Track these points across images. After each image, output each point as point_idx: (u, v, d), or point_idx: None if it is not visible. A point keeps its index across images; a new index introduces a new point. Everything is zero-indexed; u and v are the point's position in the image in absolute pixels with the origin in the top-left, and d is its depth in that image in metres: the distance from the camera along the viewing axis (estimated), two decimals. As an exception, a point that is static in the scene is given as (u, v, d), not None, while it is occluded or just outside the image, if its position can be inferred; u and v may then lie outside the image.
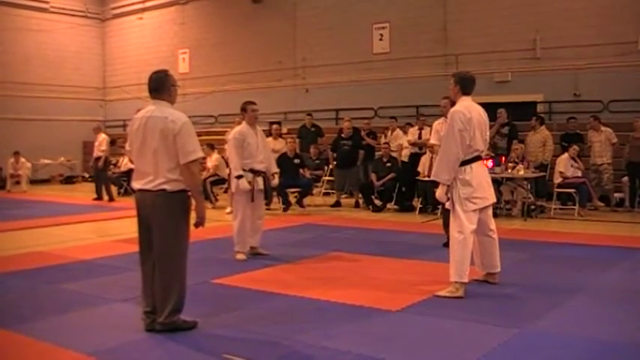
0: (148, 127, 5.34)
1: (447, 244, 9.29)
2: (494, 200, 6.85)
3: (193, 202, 5.44)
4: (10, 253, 9.25)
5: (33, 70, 25.07)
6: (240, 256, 8.57)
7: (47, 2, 25.92)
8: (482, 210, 6.59)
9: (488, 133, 6.92)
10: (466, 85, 6.80)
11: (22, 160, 21.41)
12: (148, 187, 5.27)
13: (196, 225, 5.42)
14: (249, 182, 8.43)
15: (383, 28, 19.17)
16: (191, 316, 5.51)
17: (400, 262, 7.95)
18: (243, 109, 8.68)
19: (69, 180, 24.64)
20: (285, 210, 14.19)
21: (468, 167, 6.48)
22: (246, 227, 8.58)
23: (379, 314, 5.80)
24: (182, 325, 5.36)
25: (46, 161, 23.59)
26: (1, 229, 11.70)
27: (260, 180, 8.58)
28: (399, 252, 8.34)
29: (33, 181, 22.60)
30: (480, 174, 6.58)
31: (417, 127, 14.93)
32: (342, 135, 15.44)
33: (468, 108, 6.56)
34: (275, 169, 9.09)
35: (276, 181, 9.17)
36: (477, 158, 6.55)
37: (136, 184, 5.40)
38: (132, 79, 25.84)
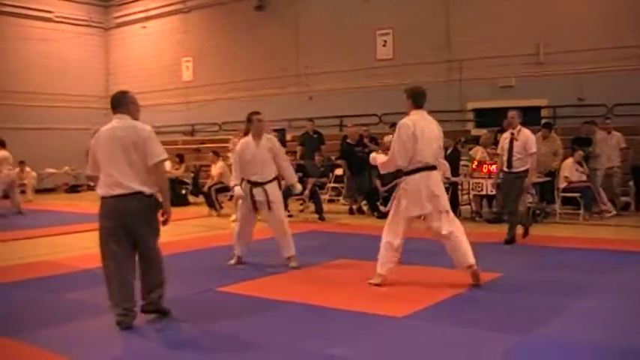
0: (118, 138, 5.76)
1: (508, 242, 10.01)
2: (443, 209, 7.11)
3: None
4: (15, 263, 9.26)
5: (36, 79, 25.11)
6: (230, 261, 8.69)
7: (51, 12, 26.00)
8: (426, 217, 7.12)
9: (440, 144, 7.32)
10: (417, 99, 7.23)
11: (28, 169, 21.43)
12: (124, 192, 5.65)
13: (164, 222, 5.95)
14: (246, 193, 8.52)
15: (386, 34, 19.21)
16: (196, 325, 5.64)
17: (405, 269, 7.92)
18: (249, 120, 8.67)
19: (74, 189, 24.67)
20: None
21: (409, 177, 7.03)
22: (245, 233, 8.69)
23: (385, 321, 5.78)
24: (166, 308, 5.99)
25: (51, 170, 23.60)
26: (6, 239, 11.73)
27: (258, 191, 8.48)
28: (405, 258, 8.27)
29: (38, 191, 22.63)
30: (421, 184, 6.97)
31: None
32: (349, 141, 15.31)
33: (415, 121, 7.00)
34: (293, 179, 8.98)
35: (298, 187, 9.18)
36: (421, 169, 6.97)
37: (108, 191, 5.73)
38: (136, 88, 25.48)
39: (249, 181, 8.53)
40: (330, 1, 20.41)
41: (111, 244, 5.71)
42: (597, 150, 13.82)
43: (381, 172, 7.75)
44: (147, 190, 5.74)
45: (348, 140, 15.32)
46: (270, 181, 8.52)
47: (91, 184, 6.58)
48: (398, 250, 7.25)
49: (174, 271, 8.43)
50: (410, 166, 6.98)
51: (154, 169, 5.79)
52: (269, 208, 8.46)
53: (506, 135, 10.49)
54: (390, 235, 7.24)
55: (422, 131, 6.94)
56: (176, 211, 16.32)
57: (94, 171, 5.92)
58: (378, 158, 7.57)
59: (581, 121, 14.85)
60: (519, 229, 10.44)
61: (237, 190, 8.50)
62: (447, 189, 13.14)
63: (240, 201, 8.71)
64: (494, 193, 12.63)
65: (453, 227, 7.11)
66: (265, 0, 22.04)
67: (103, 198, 5.78)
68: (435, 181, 7.11)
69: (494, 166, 12.78)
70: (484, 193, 12.85)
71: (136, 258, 5.86)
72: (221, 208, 15.38)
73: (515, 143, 10.23)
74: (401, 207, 7.14)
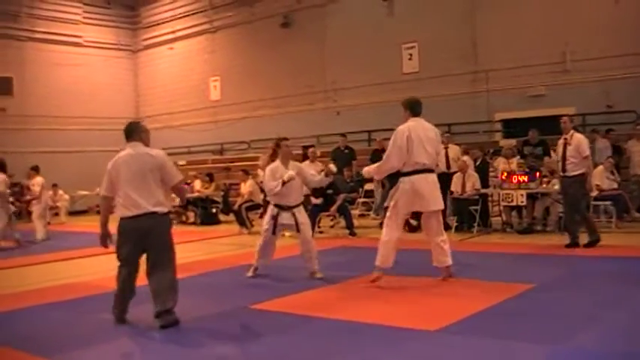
0: (137, 164, 6.40)
1: (570, 245, 10.26)
2: (436, 208, 7.82)
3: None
4: (50, 285, 9.38)
5: (68, 103, 25.56)
6: (248, 273, 9.07)
7: (80, 36, 26.47)
8: (427, 215, 7.83)
9: (439, 147, 8.10)
10: (413, 108, 7.88)
11: (60, 192, 21.76)
12: (140, 212, 6.31)
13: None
14: (273, 217, 8.81)
15: (412, 47, 19.29)
16: (232, 343, 5.81)
17: (437, 282, 7.92)
18: (277, 146, 8.96)
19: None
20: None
21: (407, 178, 7.66)
22: (268, 248, 9.03)
23: (418, 335, 5.76)
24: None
25: (83, 192, 23.85)
26: (41, 261, 11.91)
27: (287, 215, 8.80)
28: (436, 271, 8.30)
29: (71, 213, 22.95)
30: (419, 184, 7.62)
31: (442, 146, 14.89)
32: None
33: (410, 127, 7.64)
34: (318, 177, 9.39)
35: (332, 168, 9.33)
36: (418, 171, 7.60)
37: (125, 212, 6.38)
38: (164, 109, 26.22)
39: (276, 205, 8.83)
40: (355, 16, 20.51)
41: (132, 255, 6.50)
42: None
43: (377, 177, 8.51)
44: (160, 209, 6.39)
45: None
46: (297, 205, 8.87)
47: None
48: (396, 245, 7.92)
49: (208, 289, 8.54)
50: (407, 167, 7.62)
51: (174, 189, 6.67)
52: (297, 230, 8.82)
53: (561, 140, 10.69)
54: (389, 232, 7.90)
55: (417, 136, 7.57)
56: (207, 230, 16.56)
57: (109, 192, 6.54)
58: (369, 168, 8.34)
59: (606, 129, 14.78)
60: (566, 239, 10.69)
61: (289, 174, 8.60)
62: (476, 201, 13.19)
63: (267, 216, 9.02)
64: (524, 204, 12.58)
65: (441, 229, 7.91)
66: (291, 17, 22.23)
67: (122, 218, 6.43)
68: (431, 181, 7.72)
69: (524, 177, 12.75)
70: (514, 204, 12.77)
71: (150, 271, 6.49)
72: (252, 225, 15.40)
73: (569, 147, 10.46)
74: (399, 204, 7.80)
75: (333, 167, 9.32)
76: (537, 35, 16.70)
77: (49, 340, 6.29)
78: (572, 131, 10.59)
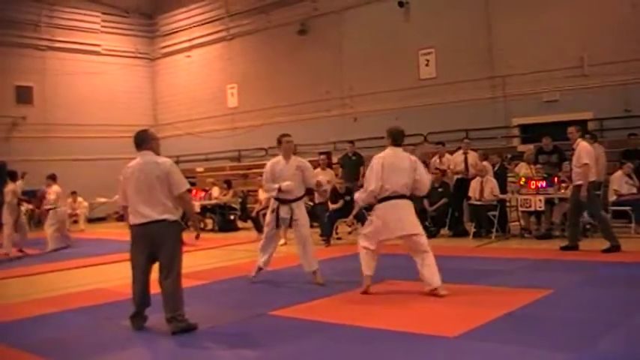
0: (144, 173, 6.55)
1: (609, 250, 10.35)
2: (409, 233, 7.87)
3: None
4: (71, 291, 9.47)
5: (87, 111, 25.78)
6: (251, 274, 9.39)
7: (99, 45, 26.68)
8: (402, 238, 7.94)
9: (416, 174, 8.00)
10: (395, 137, 8.20)
11: (80, 199, 21.91)
12: (153, 219, 6.45)
13: (197, 237, 7.49)
14: (274, 210, 9.09)
15: (429, 53, 19.25)
16: (251, 348, 5.84)
17: (456, 288, 7.91)
18: (279, 142, 9.24)
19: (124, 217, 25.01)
20: (326, 243, 13.75)
21: (379, 205, 7.98)
22: (269, 246, 9.30)
23: (437, 341, 5.74)
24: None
25: (102, 200, 23.98)
26: (61, 268, 12.02)
27: (285, 209, 9.04)
28: (455, 277, 8.29)
29: (90, 220, 23.09)
30: (389, 211, 7.88)
31: (461, 152, 14.89)
32: None
33: (386, 156, 8.02)
34: (312, 184, 9.45)
35: (322, 180, 9.94)
36: (389, 198, 7.86)
37: (139, 220, 6.52)
38: (182, 116, 26.37)
39: (276, 199, 9.07)
40: (372, 23, 20.53)
41: (140, 261, 6.61)
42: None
43: (360, 204, 8.77)
44: (169, 217, 6.53)
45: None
46: (296, 200, 9.08)
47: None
48: (375, 254, 8.10)
49: (226, 296, 8.58)
50: (380, 194, 7.89)
51: (180, 198, 6.65)
52: (289, 225, 9.14)
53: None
54: (366, 242, 8.12)
55: (390, 164, 7.87)
56: (225, 237, 16.61)
57: (124, 201, 6.74)
58: (358, 197, 8.55)
59: (629, 133, 14.69)
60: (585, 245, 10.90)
61: (286, 183, 8.91)
62: (494, 206, 13.16)
63: (268, 215, 9.31)
64: (542, 209, 12.55)
65: (424, 250, 7.84)
66: (307, 24, 22.28)
67: (132, 225, 6.62)
68: (400, 207, 7.91)
69: (542, 182, 12.73)
70: (532, 209, 12.73)
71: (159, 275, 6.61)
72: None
73: (574, 157, 10.72)
74: (372, 231, 8.06)
75: (323, 180, 9.75)
76: (555, 40, 16.63)
77: (68, 345, 6.36)
78: (578, 140, 10.81)
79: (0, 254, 14.10)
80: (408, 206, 8.01)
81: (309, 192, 15.68)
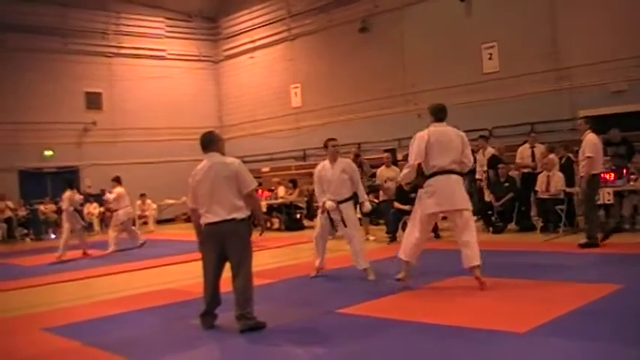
0: (213, 174, 6.71)
1: (584, 245, 10.51)
2: (461, 207, 7.90)
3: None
4: (142, 291, 9.71)
5: (154, 115, 26.26)
6: (312, 274, 9.73)
7: (164, 50, 27.16)
8: (451, 213, 7.96)
9: (463, 149, 8.02)
10: (435, 113, 8.24)
11: (148, 201, 22.40)
12: (223, 218, 6.60)
13: (261, 233, 7.93)
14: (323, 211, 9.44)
15: (491, 47, 19.01)
16: (320, 345, 5.93)
17: (524, 283, 7.83)
18: (325, 146, 9.73)
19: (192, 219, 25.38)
20: (391, 239, 13.74)
21: (428, 180, 7.88)
22: (319, 244, 9.68)
23: (507, 337, 5.69)
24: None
25: (170, 201, 24.37)
26: (132, 269, 12.32)
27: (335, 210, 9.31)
28: (522, 272, 8.22)
29: (159, 221, 23.57)
30: (439, 184, 7.83)
31: (528, 145, 14.68)
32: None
33: (430, 132, 7.98)
34: (363, 198, 9.70)
35: (367, 206, 9.80)
36: (438, 173, 7.84)
37: (210, 219, 6.67)
38: (247, 117, 26.63)
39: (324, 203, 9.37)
40: (434, 18, 20.39)
41: (214, 260, 6.76)
42: None
43: (403, 182, 9.01)
44: (238, 215, 6.64)
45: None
46: (344, 201, 9.30)
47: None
48: (417, 245, 8.15)
49: (293, 295, 8.66)
50: (429, 170, 7.87)
51: (248, 196, 6.77)
52: (335, 226, 9.43)
53: None
54: (411, 232, 8.20)
55: (437, 141, 7.86)
56: (292, 236, 16.77)
57: (194, 204, 6.92)
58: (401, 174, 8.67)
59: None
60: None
61: (329, 203, 9.22)
62: (562, 200, 12.95)
63: (318, 217, 9.73)
64: (611, 202, 12.28)
65: (467, 228, 7.88)
66: (368, 22, 22.24)
67: (205, 225, 6.77)
68: (453, 181, 7.90)
69: (611, 174, 12.48)
70: (601, 202, 12.47)
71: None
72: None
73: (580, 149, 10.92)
74: (421, 206, 8.01)
75: (367, 206, 9.74)
76: (620, 28, 16.18)
77: (141, 344, 6.53)
78: (586, 132, 10.84)
79: (55, 257, 14.47)
80: (459, 181, 8.06)
81: (374, 189, 15.84)
